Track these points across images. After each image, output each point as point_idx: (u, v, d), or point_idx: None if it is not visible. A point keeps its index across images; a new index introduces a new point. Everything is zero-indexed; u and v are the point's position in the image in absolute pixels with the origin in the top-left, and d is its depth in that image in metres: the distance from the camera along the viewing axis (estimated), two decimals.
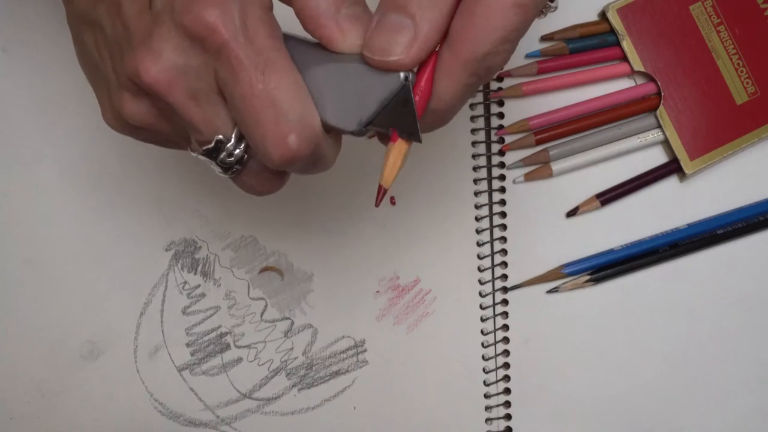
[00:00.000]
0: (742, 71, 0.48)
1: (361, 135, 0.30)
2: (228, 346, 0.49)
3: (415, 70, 0.28)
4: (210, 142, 0.29)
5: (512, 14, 0.27)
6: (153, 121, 0.30)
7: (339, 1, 0.28)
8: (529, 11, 0.27)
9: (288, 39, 0.29)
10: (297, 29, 0.30)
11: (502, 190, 0.49)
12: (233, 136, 0.29)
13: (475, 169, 0.49)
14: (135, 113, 0.30)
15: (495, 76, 0.49)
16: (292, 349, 0.49)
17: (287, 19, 0.29)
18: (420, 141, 0.29)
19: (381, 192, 0.30)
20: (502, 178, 0.49)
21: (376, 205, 0.31)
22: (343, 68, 0.29)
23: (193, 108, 0.28)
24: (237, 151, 0.30)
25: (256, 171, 0.31)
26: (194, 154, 0.31)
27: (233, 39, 0.27)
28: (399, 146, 0.30)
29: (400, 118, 0.29)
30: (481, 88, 0.49)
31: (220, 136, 0.29)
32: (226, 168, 0.30)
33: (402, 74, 0.28)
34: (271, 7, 0.29)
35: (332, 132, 0.30)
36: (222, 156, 0.30)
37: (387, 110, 0.29)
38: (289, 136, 0.28)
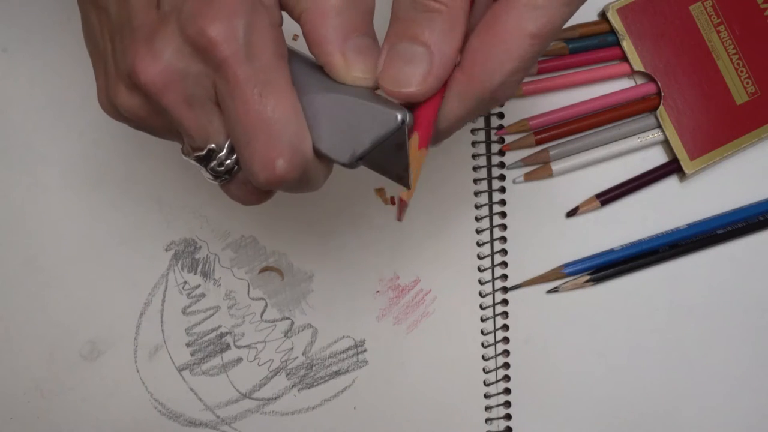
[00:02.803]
0: (742, 71, 0.48)
1: (352, 168, 0.29)
2: (228, 346, 0.49)
3: (411, 112, 0.28)
4: (202, 149, 0.29)
5: (528, 44, 0.27)
6: (144, 116, 0.30)
7: (348, 30, 0.28)
8: (545, 42, 0.27)
9: (292, 57, 0.29)
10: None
11: (502, 190, 0.49)
12: (225, 146, 0.29)
13: (475, 169, 0.49)
14: (127, 106, 0.29)
15: None
16: (292, 349, 0.49)
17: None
18: (409, 188, 0.29)
19: (402, 205, 0.30)
20: (502, 178, 0.49)
21: (400, 220, 0.30)
22: (343, 99, 0.28)
23: (186, 113, 0.28)
24: (228, 161, 0.29)
25: (244, 182, 0.31)
26: (185, 158, 0.31)
27: (233, 56, 0.26)
28: (418, 156, 0.29)
29: (392, 160, 0.28)
30: None
31: (213, 145, 0.29)
32: (216, 176, 0.30)
33: (399, 116, 0.27)
34: (280, 24, 0.29)
35: (323, 158, 0.30)
36: (213, 164, 0.29)
37: (381, 149, 0.28)
38: (277, 159, 0.27)
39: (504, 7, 0.27)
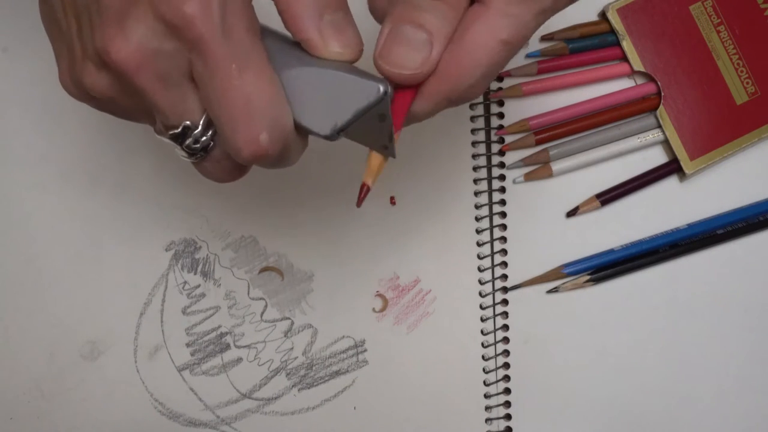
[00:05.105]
0: (742, 71, 0.48)
1: (333, 140, 0.30)
2: (228, 346, 0.49)
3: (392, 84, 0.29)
4: (177, 127, 0.29)
5: (498, 51, 0.28)
6: (114, 96, 0.29)
7: (323, 7, 0.28)
8: (516, 48, 0.28)
9: (266, 34, 0.29)
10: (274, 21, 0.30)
11: (502, 190, 0.49)
12: (201, 123, 0.29)
13: (475, 169, 0.49)
14: (96, 86, 0.29)
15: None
16: (292, 349, 0.49)
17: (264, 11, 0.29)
18: (394, 157, 0.30)
19: (364, 191, 0.31)
20: (502, 178, 0.49)
21: (358, 205, 0.31)
22: (321, 73, 0.29)
23: (160, 92, 0.28)
24: (203, 138, 0.29)
25: (219, 159, 0.31)
26: (159, 136, 0.30)
27: (210, 34, 0.26)
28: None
29: (376, 131, 0.29)
30: None
31: (188, 122, 0.29)
32: (191, 153, 0.30)
33: (381, 87, 0.28)
34: (251, 0, 0.29)
35: (302, 132, 0.30)
36: (188, 142, 0.29)
37: (363, 120, 0.29)
38: (260, 134, 0.28)
39: (477, 13, 0.28)
